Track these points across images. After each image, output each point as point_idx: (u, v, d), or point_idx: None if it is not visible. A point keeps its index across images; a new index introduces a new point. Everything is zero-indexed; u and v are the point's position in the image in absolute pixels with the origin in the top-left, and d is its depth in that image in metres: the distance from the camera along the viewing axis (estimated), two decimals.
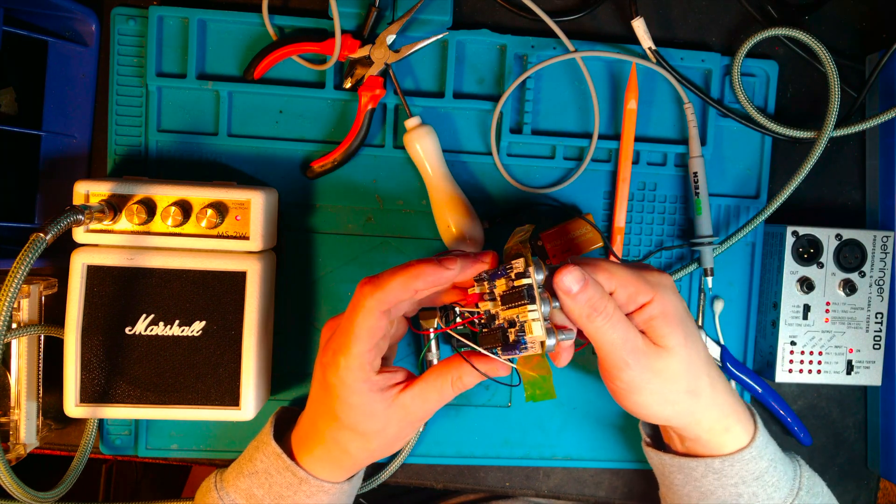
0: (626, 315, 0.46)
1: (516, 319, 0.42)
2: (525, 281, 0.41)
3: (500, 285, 0.43)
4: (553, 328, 0.42)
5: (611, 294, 0.45)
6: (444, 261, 0.43)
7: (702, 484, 0.50)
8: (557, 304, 0.43)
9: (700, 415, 0.48)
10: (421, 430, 0.59)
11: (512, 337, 0.43)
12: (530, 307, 0.41)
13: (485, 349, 0.45)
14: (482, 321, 0.45)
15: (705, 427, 0.48)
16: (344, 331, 0.44)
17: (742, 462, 0.49)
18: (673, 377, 0.46)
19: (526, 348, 0.42)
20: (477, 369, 0.45)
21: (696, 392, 0.47)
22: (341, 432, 0.46)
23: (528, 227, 0.47)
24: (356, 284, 0.58)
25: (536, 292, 0.41)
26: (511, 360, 0.45)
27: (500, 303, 0.43)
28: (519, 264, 0.42)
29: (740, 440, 0.49)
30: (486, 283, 0.44)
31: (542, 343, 0.42)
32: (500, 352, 0.44)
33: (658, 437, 0.55)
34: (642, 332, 0.46)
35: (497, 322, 0.44)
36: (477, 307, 0.46)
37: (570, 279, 0.42)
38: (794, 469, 0.52)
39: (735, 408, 0.50)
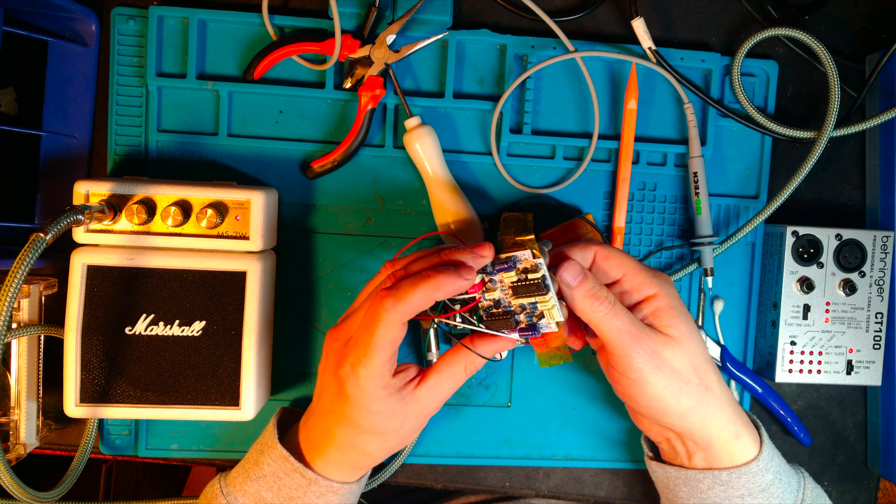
0: (632, 306, 0.48)
1: (527, 305, 0.45)
2: (540, 274, 0.44)
3: (509, 276, 0.45)
4: (561, 304, 0.45)
5: (618, 281, 0.48)
6: (461, 270, 0.43)
7: (708, 496, 0.49)
8: None
9: (712, 415, 0.48)
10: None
11: (524, 321, 0.45)
12: (548, 297, 0.44)
13: (495, 331, 0.47)
14: (490, 307, 0.47)
15: (717, 432, 0.48)
16: (362, 343, 0.43)
17: (749, 474, 0.48)
18: (682, 368, 0.46)
19: (542, 329, 0.45)
20: (480, 355, 0.47)
21: (707, 387, 0.47)
22: (360, 437, 0.47)
23: (524, 216, 0.48)
24: (356, 284, 0.59)
25: (551, 283, 0.44)
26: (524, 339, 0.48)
27: (511, 293, 0.46)
28: (526, 256, 0.44)
29: (749, 450, 0.49)
30: (485, 274, 0.47)
31: (559, 323, 0.45)
32: (507, 332, 0.46)
33: (658, 454, 0.55)
34: (649, 324, 0.47)
35: (504, 306, 0.46)
36: (476, 294, 0.47)
37: (569, 274, 0.45)
38: (798, 481, 0.52)
39: (741, 414, 0.50)
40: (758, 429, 0.51)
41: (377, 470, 0.59)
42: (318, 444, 0.49)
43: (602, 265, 0.48)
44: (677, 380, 0.46)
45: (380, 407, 0.45)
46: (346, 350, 0.44)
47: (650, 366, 0.45)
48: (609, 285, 0.48)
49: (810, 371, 0.59)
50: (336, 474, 0.49)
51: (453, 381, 0.47)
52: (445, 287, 0.42)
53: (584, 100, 0.60)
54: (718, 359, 0.61)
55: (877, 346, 0.60)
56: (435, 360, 0.57)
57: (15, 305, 0.47)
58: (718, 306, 0.61)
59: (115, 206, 0.51)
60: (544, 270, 0.44)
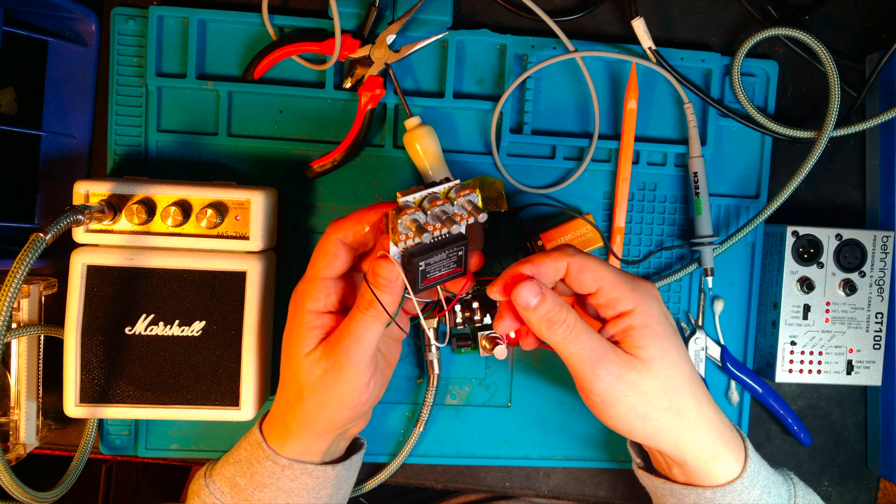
0: (606, 321, 0.46)
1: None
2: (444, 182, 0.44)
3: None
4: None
5: (592, 294, 0.45)
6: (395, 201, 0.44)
7: None
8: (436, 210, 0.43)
9: (686, 437, 0.46)
10: (421, 430, 0.59)
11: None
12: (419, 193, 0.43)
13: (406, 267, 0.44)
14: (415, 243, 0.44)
15: (691, 453, 0.46)
16: (310, 261, 0.48)
17: (734, 493, 0.46)
18: (650, 391, 0.44)
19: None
20: (369, 285, 0.43)
21: (678, 411, 0.45)
22: (292, 376, 0.47)
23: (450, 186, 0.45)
24: None
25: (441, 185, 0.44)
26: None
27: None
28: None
29: (730, 469, 0.47)
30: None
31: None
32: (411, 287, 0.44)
33: (649, 461, 0.53)
34: (617, 342, 0.45)
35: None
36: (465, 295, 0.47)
37: (526, 293, 0.43)
38: (787, 490, 0.50)
39: (724, 433, 0.47)
40: (743, 441, 0.49)
41: (377, 470, 0.59)
42: (272, 410, 0.50)
43: (576, 277, 0.45)
44: (644, 404, 0.44)
45: (302, 330, 0.46)
46: None
47: (613, 389, 0.43)
48: (584, 296, 0.46)
49: (810, 371, 0.59)
50: (273, 435, 0.49)
51: (353, 323, 0.44)
52: (376, 208, 0.46)
53: (584, 100, 0.60)
54: (718, 359, 0.61)
55: (877, 346, 0.60)
56: (434, 360, 0.58)
57: (15, 305, 0.47)
58: (718, 306, 0.61)
59: (115, 206, 0.51)
60: (443, 184, 0.43)
